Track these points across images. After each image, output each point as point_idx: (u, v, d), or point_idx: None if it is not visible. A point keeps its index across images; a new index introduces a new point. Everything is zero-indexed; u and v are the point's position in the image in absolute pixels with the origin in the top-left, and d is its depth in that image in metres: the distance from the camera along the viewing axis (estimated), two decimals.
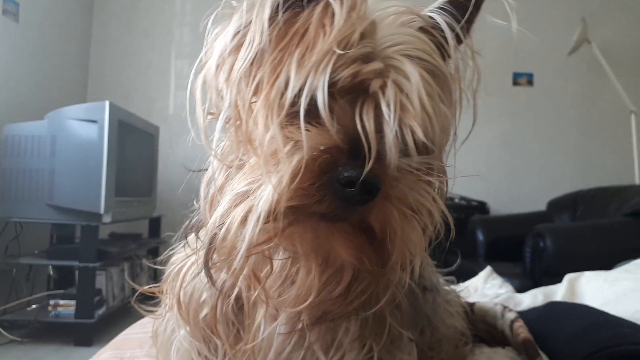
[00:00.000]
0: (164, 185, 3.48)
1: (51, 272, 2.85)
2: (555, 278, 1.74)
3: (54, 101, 3.06)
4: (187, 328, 0.64)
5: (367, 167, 0.43)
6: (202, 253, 0.58)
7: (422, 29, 0.54)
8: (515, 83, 3.84)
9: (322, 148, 0.45)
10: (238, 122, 0.50)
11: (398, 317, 0.62)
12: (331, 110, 0.46)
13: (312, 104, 0.46)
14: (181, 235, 0.65)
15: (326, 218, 0.46)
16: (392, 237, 0.47)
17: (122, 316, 2.84)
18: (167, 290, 0.66)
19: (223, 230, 0.48)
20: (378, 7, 0.52)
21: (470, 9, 0.54)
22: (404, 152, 0.49)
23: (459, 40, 0.55)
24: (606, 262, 2.26)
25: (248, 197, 0.47)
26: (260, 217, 0.45)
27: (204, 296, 0.61)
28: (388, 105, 0.46)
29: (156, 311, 0.71)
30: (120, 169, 2.61)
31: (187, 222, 0.64)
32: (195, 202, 0.63)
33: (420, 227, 0.49)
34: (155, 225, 3.44)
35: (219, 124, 0.52)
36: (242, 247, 0.47)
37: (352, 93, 0.47)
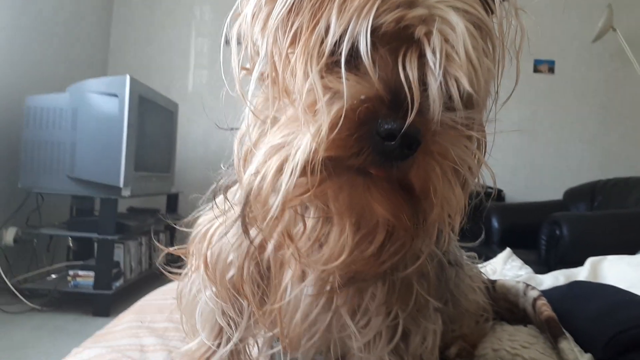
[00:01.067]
0: (182, 163, 3.51)
1: (71, 244, 2.90)
2: (570, 266, 1.73)
3: (75, 74, 3.09)
4: (214, 288, 0.64)
5: (409, 119, 0.41)
6: (233, 211, 0.58)
7: None
8: (536, 70, 3.80)
9: (362, 98, 0.43)
10: (274, 74, 0.48)
11: (425, 285, 0.61)
12: (372, 58, 0.44)
13: (353, 53, 0.44)
14: (209, 197, 0.65)
15: (363, 173, 0.44)
16: (432, 194, 0.45)
17: (139, 289, 2.88)
18: (193, 251, 0.66)
19: (258, 179, 0.47)
20: None
21: None
22: (447, 105, 0.46)
23: None
24: (624, 251, 2.24)
25: (284, 147, 0.46)
26: (297, 166, 0.44)
27: (231, 257, 0.61)
28: (434, 53, 0.44)
29: (181, 274, 0.71)
30: (139, 144, 2.63)
31: (214, 185, 0.63)
32: (222, 166, 0.63)
33: (461, 185, 0.48)
34: (173, 201, 3.47)
35: (253, 76, 0.51)
36: (279, 197, 0.46)
37: (394, 41, 0.45)
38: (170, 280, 1.46)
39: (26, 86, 2.82)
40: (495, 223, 3.09)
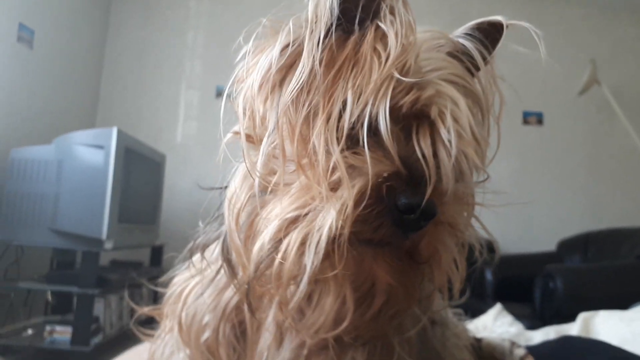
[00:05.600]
0: (168, 214, 3.46)
1: (49, 298, 2.81)
2: (566, 320, 1.68)
3: (63, 127, 3.09)
4: (187, 351, 0.63)
5: (427, 194, 0.43)
6: (210, 270, 0.58)
7: (449, 54, 0.55)
8: (525, 122, 3.84)
9: (385, 175, 0.45)
10: (283, 146, 0.49)
11: (406, 348, 0.60)
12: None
13: (368, 130, 0.46)
14: (185, 256, 0.65)
15: (379, 244, 0.46)
16: (438, 261, 0.48)
17: (119, 345, 2.76)
18: (167, 312, 0.65)
19: (278, 257, 0.47)
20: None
21: (497, 36, 0.56)
22: (456, 176, 0.49)
23: (485, 64, 0.57)
24: (619, 304, 2.18)
25: (301, 222, 0.46)
26: (322, 243, 0.44)
27: (207, 318, 0.60)
28: (449, 132, 0.47)
29: (155, 335, 0.70)
30: (124, 196, 2.60)
31: (191, 243, 0.63)
32: (200, 223, 0.63)
33: (460, 250, 0.51)
34: (157, 253, 3.40)
35: (262, 149, 0.50)
36: (305, 275, 0.46)
37: (406, 119, 0.48)
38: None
39: (12, 138, 2.81)
40: (488, 276, 3.04)
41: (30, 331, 2.61)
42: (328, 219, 0.44)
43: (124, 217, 2.61)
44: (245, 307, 0.56)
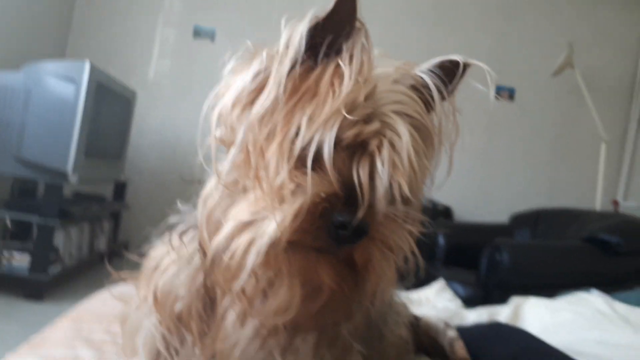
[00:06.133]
0: (135, 151, 3.44)
1: (9, 224, 2.81)
2: (507, 291, 1.78)
3: (31, 52, 2.99)
4: (159, 317, 0.70)
5: (359, 214, 0.50)
6: (186, 251, 0.66)
7: (412, 87, 0.61)
8: (497, 96, 3.88)
9: (323, 195, 0.51)
10: (246, 157, 0.56)
11: (352, 330, 0.69)
12: (333, 161, 0.53)
13: (318, 153, 0.53)
14: (162, 231, 0.71)
15: (317, 251, 0.53)
16: (370, 271, 0.55)
17: (77, 276, 2.83)
18: (142, 283, 0.72)
19: (228, 254, 0.54)
20: (379, 65, 0.59)
21: (458, 76, 0.62)
22: (390, 200, 0.55)
23: (442, 99, 0.63)
24: (558, 282, 2.33)
25: (251, 226, 0.53)
26: (262, 248, 0.52)
27: (181, 293, 0.67)
28: (382, 164, 0.53)
29: (130, 276, 0.77)
30: (92, 130, 2.57)
31: (169, 222, 0.70)
32: (178, 203, 0.70)
33: (394, 264, 0.58)
34: (120, 189, 3.41)
35: (229, 158, 0.58)
36: (245, 272, 0.54)
37: (351, 148, 0.54)
38: (108, 284, 1.45)
39: None
40: (441, 240, 3.14)
41: None
42: (270, 227, 0.52)
43: (90, 151, 2.60)
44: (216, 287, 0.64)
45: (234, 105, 0.57)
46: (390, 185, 0.55)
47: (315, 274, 0.55)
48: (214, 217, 0.59)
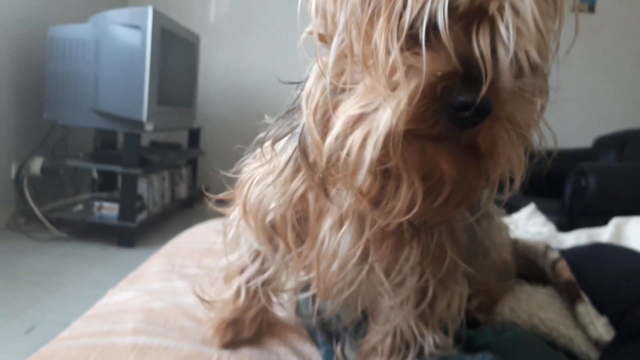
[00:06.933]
0: (203, 98, 3.48)
1: (95, 176, 2.96)
2: (594, 218, 1.70)
3: (96, 2, 3.03)
4: (253, 229, 0.69)
5: (483, 92, 0.44)
6: (278, 161, 0.63)
7: None
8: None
9: (439, 74, 0.45)
10: (351, 45, 0.51)
11: (456, 250, 0.65)
12: (448, 33, 0.46)
13: (428, 28, 0.46)
14: (254, 146, 0.70)
15: (436, 139, 0.47)
16: (497, 155, 0.49)
17: (162, 222, 2.96)
18: (237, 196, 0.71)
19: (344, 152, 0.50)
20: None
21: None
22: (515, 74, 0.49)
23: None
24: None
25: (363, 119, 0.49)
26: (380, 139, 0.47)
27: (272, 205, 0.65)
28: (507, 28, 0.46)
29: (226, 211, 0.77)
30: (162, 78, 2.61)
31: (261, 134, 0.67)
32: (266, 116, 0.67)
33: (523, 146, 0.51)
34: (194, 135, 3.48)
35: (333, 48, 0.52)
36: (364, 167, 0.50)
37: (466, 16, 0.47)
38: (196, 222, 1.49)
39: (48, 15, 2.78)
40: None
41: (80, 206, 2.79)
42: (384, 116, 0.47)
43: (162, 99, 2.65)
44: (315, 195, 0.62)
45: None
46: (516, 54, 0.48)
47: (435, 164, 0.50)
48: (319, 116, 0.55)
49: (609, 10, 3.60)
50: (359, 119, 0.49)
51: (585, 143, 3.28)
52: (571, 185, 2.53)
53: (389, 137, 0.47)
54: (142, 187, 2.71)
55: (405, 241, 0.61)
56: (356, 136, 0.49)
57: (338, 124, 0.51)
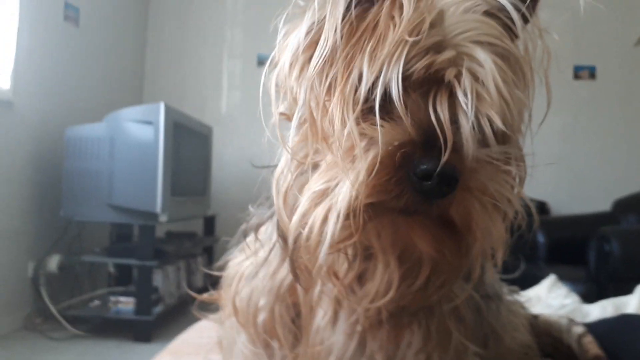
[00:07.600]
0: (218, 185, 3.53)
1: (111, 270, 2.95)
2: (622, 283, 1.63)
3: (112, 103, 3.16)
4: (245, 334, 0.65)
5: (444, 159, 0.42)
6: (262, 251, 0.60)
7: (487, 13, 0.52)
8: (577, 77, 3.67)
9: (396, 143, 0.45)
10: (312, 121, 0.50)
11: (462, 329, 0.61)
12: (404, 103, 0.46)
13: (386, 98, 0.46)
14: (239, 239, 0.67)
15: (405, 212, 0.46)
16: (473, 229, 0.47)
17: (178, 314, 2.91)
18: (225, 297, 0.67)
19: (306, 230, 0.49)
20: None
21: None
22: (481, 142, 0.47)
23: (525, 20, 0.53)
24: None
25: (326, 195, 0.48)
26: (340, 214, 0.46)
27: (262, 301, 0.62)
28: (465, 94, 0.45)
29: (215, 316, 0.73)
30: (175, 169, 2.66)
31: (244, 225, 0.66)
32: (250, 207, 0.65)
33: (501, 218, 0.49)
34: (210, 223, 3.50)
35: (293, 123, 0.53)
36: (325, 245, 0.48)
37: (424, 85, 0.47)
38: (213, 311, 1.46)
39: (66, 117, 2.90)
40: (540, 238, 2.97)
41: (96, 302, 2.76)
42: (343, 189, 0.46)
43: (176, 190, 2.69)
44: (298, 286, 0.58)
45: (291, 66, 0.52)
46: (478, 121, 0.46)
47: (409, 241, 0.48)
48: (290, 197, 0.53)
49: (610, 75, 3.67)
50: (322, 195, 0.48)
51: (604, 207, 3.22)
52: (594, 252, 2.46)
53: (349, 210, 0.45)
54: (157, 279, 2.69)
55: (404, 325, 0.58)
56: (318, 212, 0.48)
57: (303, 202, 0.49)
